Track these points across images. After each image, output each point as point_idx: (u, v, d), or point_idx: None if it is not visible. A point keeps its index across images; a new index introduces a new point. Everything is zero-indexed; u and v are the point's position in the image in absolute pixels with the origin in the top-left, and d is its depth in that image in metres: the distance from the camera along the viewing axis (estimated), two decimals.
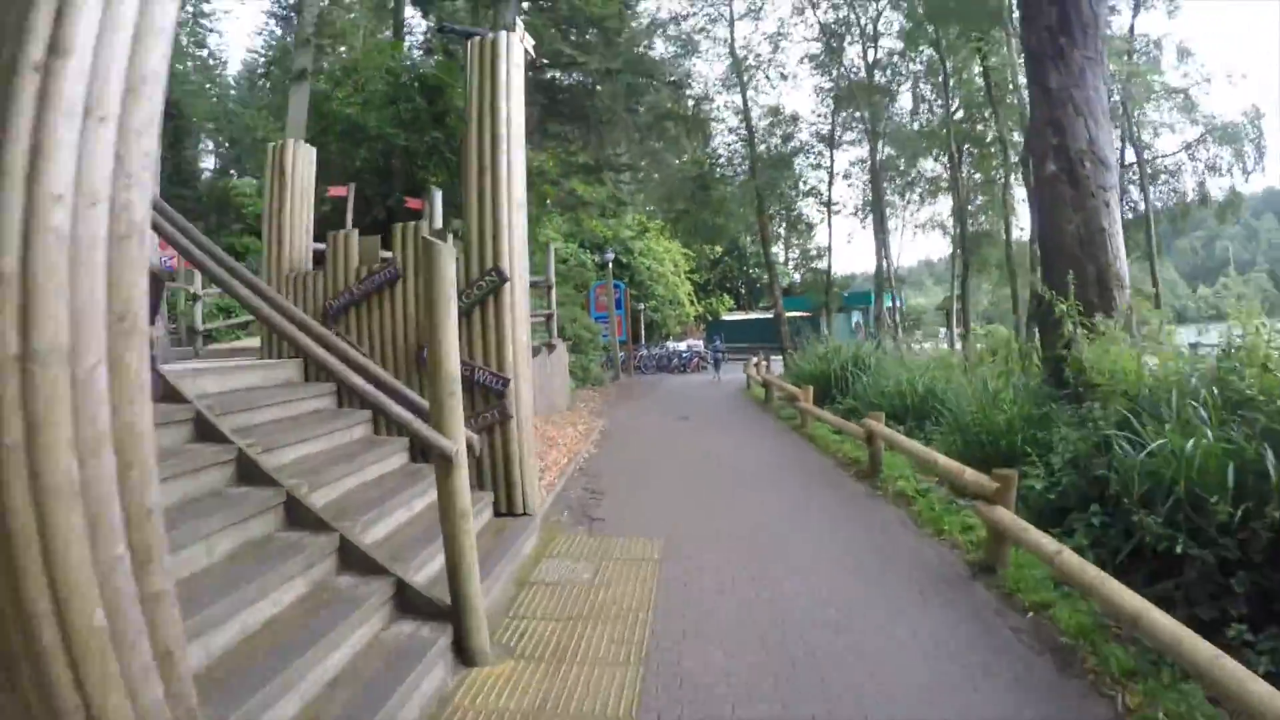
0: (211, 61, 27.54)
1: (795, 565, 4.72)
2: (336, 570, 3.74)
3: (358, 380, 3.49)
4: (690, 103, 21.88)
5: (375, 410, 3.40)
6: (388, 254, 5.70)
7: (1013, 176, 22.17)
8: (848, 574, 4.58)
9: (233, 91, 27.22)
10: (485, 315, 5.29)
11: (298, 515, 3.87)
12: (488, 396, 5.28)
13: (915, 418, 9.20)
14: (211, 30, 26.39)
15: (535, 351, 10.78)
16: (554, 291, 12.46)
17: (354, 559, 3.76)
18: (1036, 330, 8.66)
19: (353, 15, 24.41)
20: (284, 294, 5.80)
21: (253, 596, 3.13)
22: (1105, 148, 7.72)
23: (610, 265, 21.33)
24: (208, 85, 26.44)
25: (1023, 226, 22.68)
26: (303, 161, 6.16)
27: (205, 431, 4.16)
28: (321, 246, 5.96)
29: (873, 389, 10.86)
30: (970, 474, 5.11)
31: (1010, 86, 20.87)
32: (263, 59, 25.86)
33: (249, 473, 4.00)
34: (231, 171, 23.89)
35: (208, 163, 26.46)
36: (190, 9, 24.15)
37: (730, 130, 26.47)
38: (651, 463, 8.23)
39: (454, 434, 3.23)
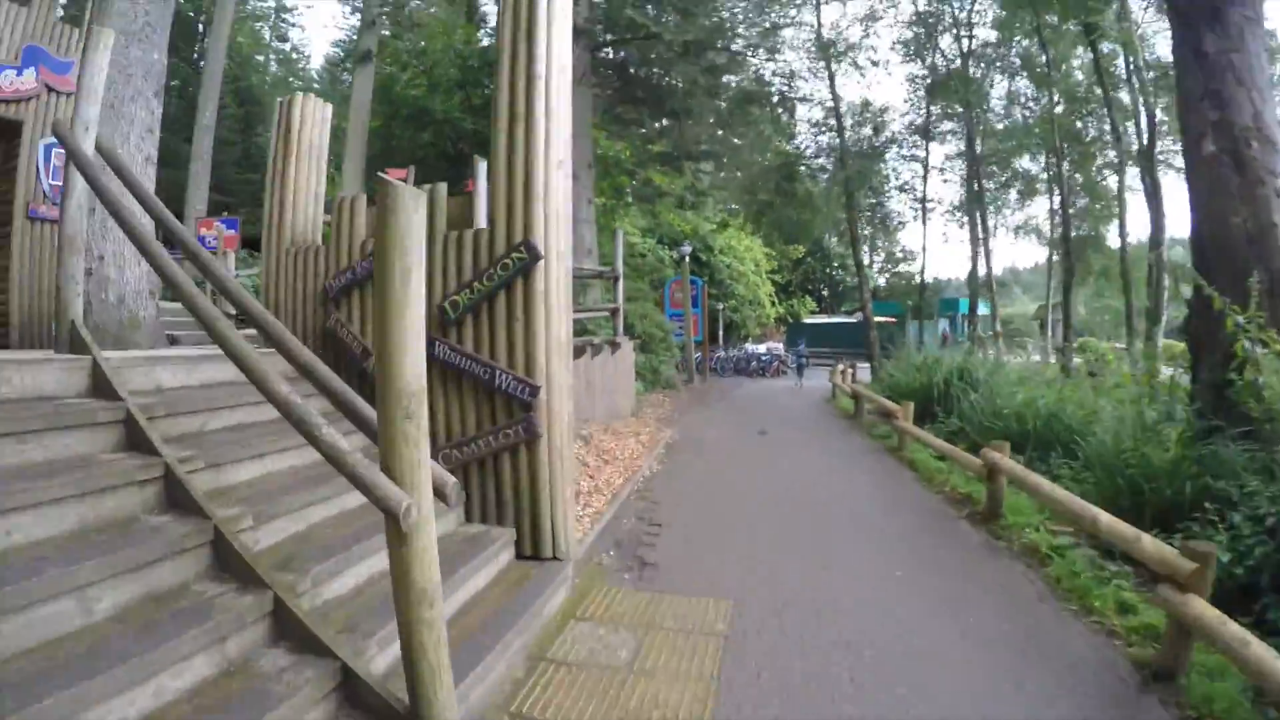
0: (294, 55, 27.96)
1: (907, 652, 3.43)
2: (267, 642, 2.69)
3: (276, 386, 2.40)
4: (778, 82, 20.25)
5: (298, 428, 2.28)
6: None
7: (1125, 175, 20.05)
8: (979, 673, 3.26)
9: (315, 85, 27.55)
10: (512, 303, 4.13)
11: (227, 559, 2.86)
12: (511, 408, 4.13)
13: (1037, 447, 7.60)
14: (294, 25, 26.73)
15: (597, 350, 9.68)
16: (621, 283, 11.24)
17: (292, 628, 2.69)
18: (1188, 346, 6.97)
19: (434, 10, 24.09)
20: (280, 271, 4.87)
21: (130, 679, 2.17)
22: (1272, 125, 6.11)
23: (687, 260, 19.82)
24: (290, 78, 26.80)
25: (1127, 232, 20.38)
26: (314, 118, 5.23)
27: (135, 439, 3.23)
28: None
29: (984, 408, 9.26)
30: (1151, 544, 3.67)
31: (1122, 75, 18.90)
32: (343, 53, 26.00)
33: (179, 497, 3.03)
34: None
35: None
36: (272, 2, 24.51)
37: (812, 125, 24.70)
38: (723, 488, 6.93)
39: (408, 479, 2.09)
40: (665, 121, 18.34)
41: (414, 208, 2.11)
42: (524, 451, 4.09)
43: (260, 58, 20.55)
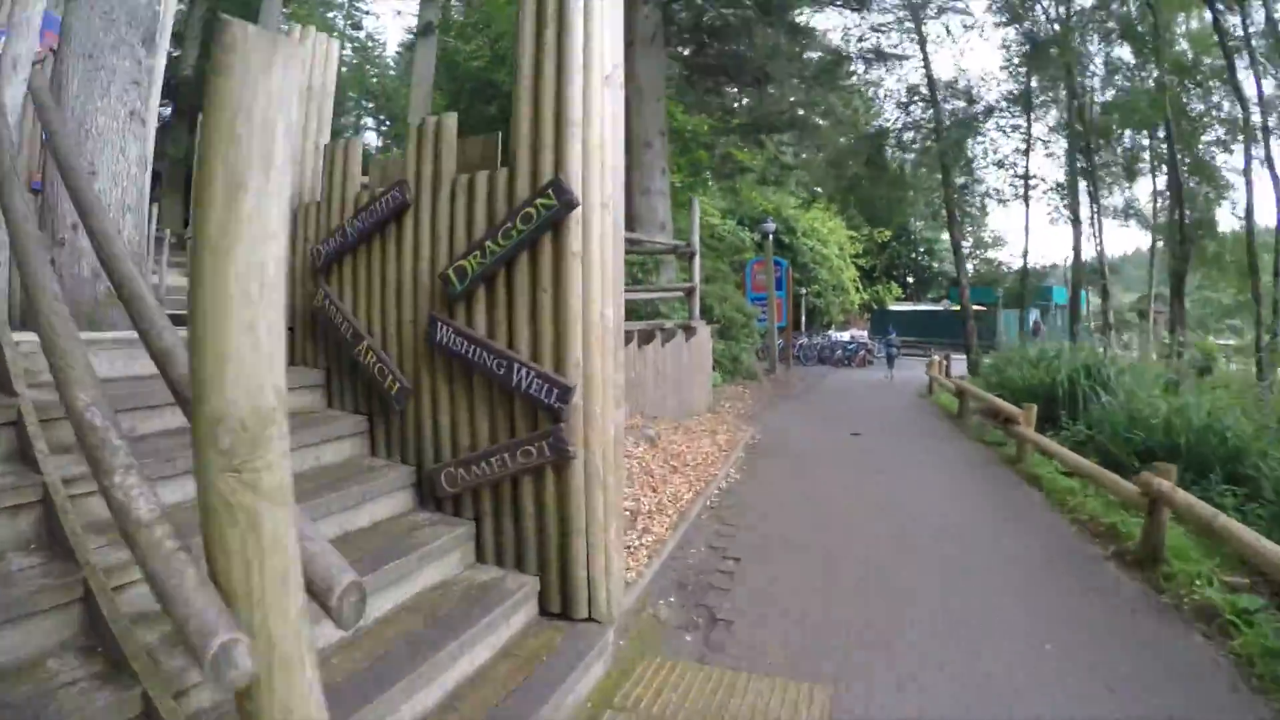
0: (370, 43, 28.11)
1: None
2: None
3: (74, 393, 1.46)
4: (869, 40, 18.58)
5: (91, 466, 1.31)
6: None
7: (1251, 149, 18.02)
8: None
9: (391, 71, 27.47)
10: (537, 270, 3.02)
11: (100, 626, 1.99)
12: (534, 416, 3.05)
13: (1190, 466, 6.10)
14: (368, 13, 26.75)
15: (669, 335, 8.60)
16: (698, 260, 10.00)
17: None
18: None
19: None
20: None
21: None
22: None
23: (770, 239, 18.25)
24: (365, 65, 26.82)
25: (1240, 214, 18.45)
26: (317, 56, 4.34)
27: (26, 448, 2.44)
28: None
29: (1119, 414, 7.74)
30: None
31: (1241, 34, 16.98)
32: (415, 37, 25.95)
33: (59, 531, 2.21)
34: (393, 148, 23.85)
35: (368, 139, 26.67)
36: None
37: (902, 97, 22.82)
38: (813, 508, 5.67)
39: (243, 588, 1.07)
40: (744, 99, 16.99)
41: (265, 62, 1.08)
42: (551, 476, 3.02)
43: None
